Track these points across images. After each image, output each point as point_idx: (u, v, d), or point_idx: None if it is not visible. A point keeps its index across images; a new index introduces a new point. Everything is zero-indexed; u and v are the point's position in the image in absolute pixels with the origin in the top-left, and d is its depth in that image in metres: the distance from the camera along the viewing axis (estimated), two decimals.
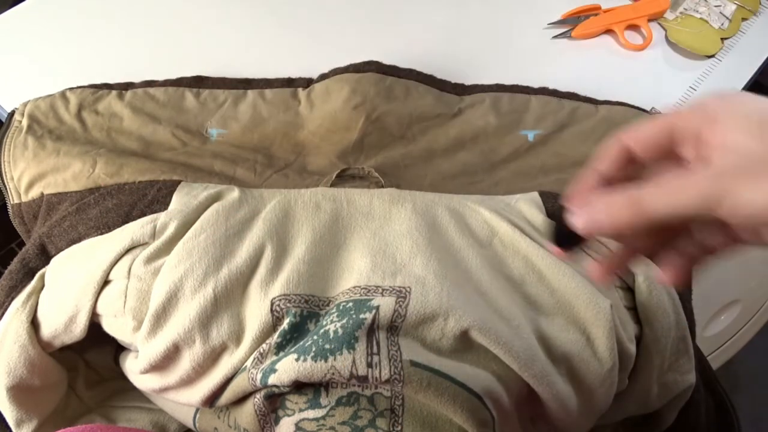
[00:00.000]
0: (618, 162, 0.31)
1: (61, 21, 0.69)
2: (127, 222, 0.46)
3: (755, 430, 1.12)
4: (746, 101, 0.28)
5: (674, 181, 0.27)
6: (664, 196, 0.27)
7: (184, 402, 0.44)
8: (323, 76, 0.60)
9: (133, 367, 0.44)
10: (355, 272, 0.42)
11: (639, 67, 0.67)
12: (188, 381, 0.42)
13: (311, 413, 0.39)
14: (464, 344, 0.40)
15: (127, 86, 0.59)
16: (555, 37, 0.69)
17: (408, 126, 0.56)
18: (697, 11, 0.71)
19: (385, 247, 0.44)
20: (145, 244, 0.44)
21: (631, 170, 0.31)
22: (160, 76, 0.61)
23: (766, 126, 0.27)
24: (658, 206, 0.27)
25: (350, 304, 0.40)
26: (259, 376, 0.39)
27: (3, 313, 0.45)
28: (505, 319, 0.40)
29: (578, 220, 0.29)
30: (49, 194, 0.51)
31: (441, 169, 0.54)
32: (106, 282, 0.43)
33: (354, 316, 0.38)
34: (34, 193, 0.52)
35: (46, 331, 0.44)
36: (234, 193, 0.47)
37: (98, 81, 0.60)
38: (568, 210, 0.30)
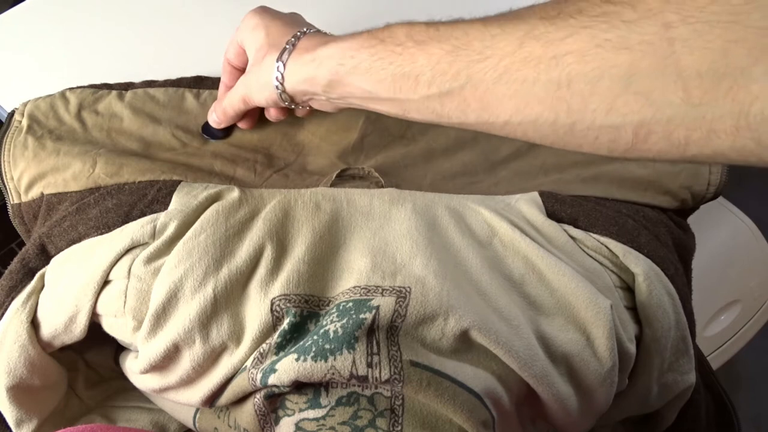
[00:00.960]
0: (228, 73, 0.54)
1: (61, 21, 0.69)
2: (127, 222, 0.46)
3: (755, 430, 1.12)
4: (252, 24, 0.49)
5: (232, 92, 0.51)
6: (229, 103, 0.52)
7: (184, 402, 0.44)
8: None
9: (133, 367, 0.44)
10: (355, 272, 0.42)
11: None
12: (188, 381, 0.42)
13: (311, 413, 0.39)
14: (464, 344, 0.40)
15: (127, 86, 0.59)
16: None
17: (408, 126, 0.56)
18: None
19: (385, 247, 0.44)
20: (145, 244, 0.44)
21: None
22: (160, 76, 0.61)
23: (254, 47, 0.49)
24: (229, 110, 0.52)
25: (350, 304, 0.40)
26: (259, 376, 0.39)
27: (3, 313, 0.45)
28: (505, 319, 0.40)
29: (209, 120, 0.55)
30: (49, 194, 0.51)
31: (441, 169, 0.54)
32: (106, 282, 0.43)
33: (354, 316, 0.38)
34: (34, 193, 0.52)
35: (46, 331, 0.44)
36: (234, 193, 0.47)
37: (98, 81, 0.60)
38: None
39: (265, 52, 0.47)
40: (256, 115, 0.55)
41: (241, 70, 0.53)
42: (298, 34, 0.46)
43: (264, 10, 0.50)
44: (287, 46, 0.45)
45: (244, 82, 0.49)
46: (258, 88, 0.48)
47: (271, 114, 0.53)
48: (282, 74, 0.45)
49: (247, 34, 0.49)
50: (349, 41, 0.42)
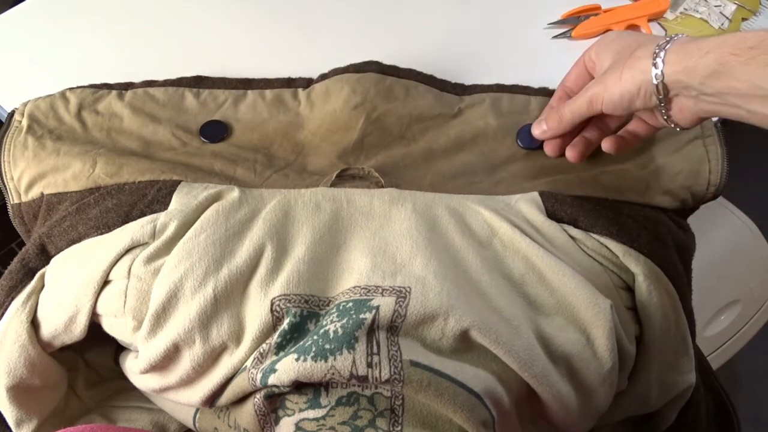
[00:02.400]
0: (564, 96, 0.54)
1: (61, 21, 0.69)
2: (127, 222, 0.46)
3: (755, 430, 1.12)
4: (611, 37, 0.49)
5: (574, 97, 0.49)
6: (570, 108, 0.50)
7: (184, 402, 0.44)
8: (323, 76, 0.60)
9: (133, 367, 0.44)
10: (355, 272, 0.42)
11: None
12: (188, 381, 0.42)
13: (311, 413, 0.39)
14: (464, 344, 0.40)
15: (127, 86, 0.59)
16: (555, 37, 0.69)
17: (408, 126, 0.56)
18: (697, 11, 0.71)
19: (385, 247, 0.44)
20: (145, 244, 0.44)
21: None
22: (160, 76, 0.61)
23: (616, 51, 0.47)
24: (568, 115, 0.50)
25: (350, 304, 0.40)
26: (259, 376, 0.39)
27: (3, 313, 0.45)
28: (505, 319, 0.40)
29: (534, 130, 0.54)
30: (49, 194, 0.51)
31: (441, 169, 0.54)
32: (106, 282, 0.43)
33: (354, 316, 0.38)
34: (34, 193, 0.52)
35: (46, 331, 0.44)
36: (234, 193, 0.47)
37: (98, 81, 0.60)
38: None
39: (634, 48, 0.45)
40: (569, 143, 0.53)
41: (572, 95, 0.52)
42: (672, 36, 0.44)
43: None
44: (667, 39, 0.43)
45: (600, 81, 0.46)
46: (619, 83, 0.45)
47: (610, 128, 0.53)
48: (662, 60, 0.42)
49: (608, 42, 0.48)
50: (739, 35, 0.39)
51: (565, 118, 0.50)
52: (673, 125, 0.46)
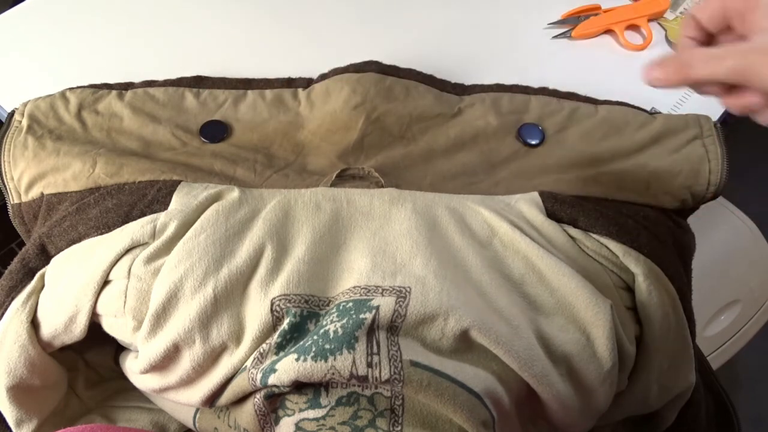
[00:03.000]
0: (693, 29, 0.41)
1: (61, 21, 0.69)
2: (127, 222, 0.46)
3: (755, 430, 1.12)
4: None
5: (715, 52, 0.36)
6: (705, 65, 0.36)
7: (184, 402, 0.44)
8: (323, 76, 0.60)
9: (133, 367, 0.44)
10: (355, 272, 0.42)
11: (639, 67, 0.67)
12: (188, 381, 0.42)
13: (311, 413, 0.39)
14: (464, 344, 0.40)
15: (127, 86, 0.59)
16: (555, 37, 0.69)
17: (408, 126, 0.56)
18: None
19: (385, 246, 0.44)
20: (145, 244, 0.44)
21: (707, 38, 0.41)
22: (160, 76, 0.61)
23: None
24: (699, 73, 0.36)
25: (350, 304, 0.40)
26: (259, 376, 0.39)
27: (3, 313, 0.45)
28: (505, 319, 0.40)
29: (644, 76, 0.40)
30: (49, 194, 0.51)
31: (441, 169, 0.54)
32: (106, 282, 0.43)
33: (354, 316, 0.38)
34: (34, 193, 0.52)
35: (46, 331, 0.44)
36: (234, 193, 0.47)
37: (98, 81, 0.60)
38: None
39: None
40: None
41: (705, 40, 0.41)
42: None
43: None
44: None
45: (763, 51, 0.34)
46: None
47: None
48: None
49: None
50: None
51: (693, 76, 0.37)
52: None
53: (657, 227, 0.49)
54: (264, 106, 0.58)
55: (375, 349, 0.38)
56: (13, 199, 0.53)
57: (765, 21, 0.35)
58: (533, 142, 0.55)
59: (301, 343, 0.39)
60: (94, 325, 0.44)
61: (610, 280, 0.45)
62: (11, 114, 0.56)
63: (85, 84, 0.59)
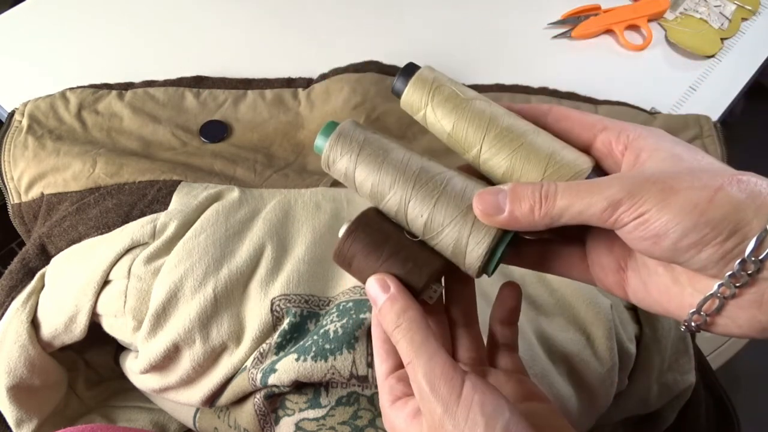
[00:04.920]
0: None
1: (61, 21, 0.69)
2: (127, 222, 0.46)
3: (755, 430, 1.11)
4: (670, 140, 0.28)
5: (585, 187, 0.26)
6: (569, 197, 0.26)
7: (184, 402, 0.44)
8: (323, 76, 0.60)
9: (133, 367, 0.44)
10: None
11: (639, 67, 0.67)
12: (188, 381, 0.42)
13: (311, 413, 0.39)
14: None
15: (127, 86, 0.59)
16: (555, 37, 0.69)
17: (408, 126, 0.56)
18: (697, 11, 0.71)
19: None
20: (145, 244, 0.44)
21: None
22: (160, 76, 0.61)
23: (692, 159, 0.26)
24: (558, 209, 0.26)
25: (350, 304, 0.40)
26: (259, 376, 0.39)
27: (3, 313, 0.45)
28: None
29: (480, 202, 0.28)
30: (49, 194, 0.51)
31: None
32: (106, 282, 0.43)
33: (354, 316, 0.38)
34: (34, 193, 0.52)
35: (46, 331, 0.44)
36: (234, 193, 0.47)
37: (98, 81, 0.60)
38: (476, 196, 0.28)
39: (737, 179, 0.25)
40: None
41: None
42: None
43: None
44: None
45: (659, 191, 0.25)
46: (695, 211, 0.24)
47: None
48: None
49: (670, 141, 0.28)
50: None
51: (552, 212, 0.26)
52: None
53: None
54: (264, 106, 0.58)
55: None
56: (13, 199, 0.53)
57: (655, 155, 0.27)
58: None
59: (301, 343, 0.39)
60: (94, 325, 0.44)
61: None
62: (11, 114, 0.56)
63: (85, 84, 0.60)
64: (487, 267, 0.28)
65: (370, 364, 0.37)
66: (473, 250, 0.28)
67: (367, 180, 0.30)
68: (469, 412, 0.25)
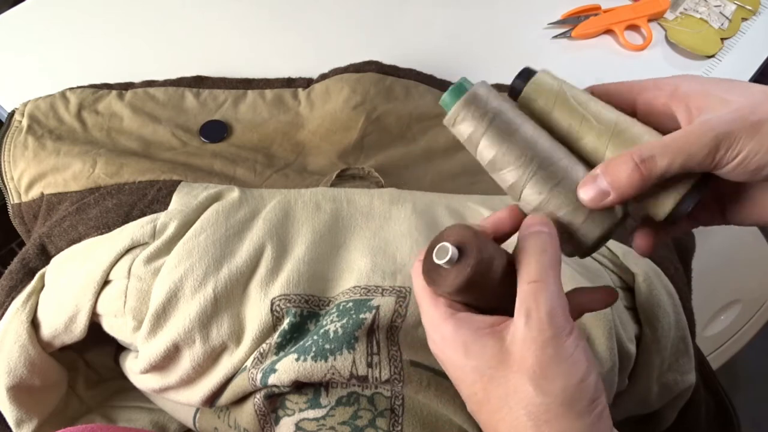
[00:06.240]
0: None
1: (61, 21, 0.69)
2: (127, 222, 0.46)
3: (755, 430, 1.11)
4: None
5: (677, 134, 0.28)
6: (669, 153, 0.27)
7: (184, 402, 0.44)
8: (323, 76, 0.60)
9: (133, 367, 0.44)
10: (355, 272, 0.42)
11: (639, 67, 0.67)
12: (188, 381, 0.42)
13: (311, 413, 0.39)
14: None
15: (127, 86, 0.59)
16: (555, 37, 0.69)
17: (408, 126, 0.56)
18: (697, 11, 0.71)
19: (385, 246, 0.44)
20: (145, 244, 0.44)
21: None
22: (160, 76, 0.61)
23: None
24: (662, 166, 0.28)
25: (350, 304, 0.40)
26: (259, 376, 0.39)
27: (3, 313, 0.45)
28: None
29: (585, 191, 0.29)
30: (49, 194, 0.51)
31: (441, 169, 0.54)
32: (106, 282, 0.43)
33: (354, 316, 0.38)
34: (34, 193, 0.52)
35: (46, 331, 0.44)
36: (234, 193, 0.47)
37: (98, 81, 0.60)
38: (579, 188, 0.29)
39: None
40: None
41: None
42: None
43: None
44: None
45: (746, 129, 0.27)
46: None
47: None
48: None
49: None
50: None
51: (655, 171, 0.28)
52: None
53: None
54: (264, 106, 0.58)
55: (375, 349, 0.38)
56: (13, 199, 0.53)
57: (724, 101, 0.28)
58: None
59: (301, 343, 0.39)
60: (94, 325, 0.44)
61: (610, 280, 0.45)
62: (11, 114, 0.56)
63: (85, 84, 0.60)
64: (593, 249, 0.31)
65: (370, 364, 0.37)
66: (586, 234, 0.30)
67: (491, 149, 0.30)
68: (575, 348, 0.27)
